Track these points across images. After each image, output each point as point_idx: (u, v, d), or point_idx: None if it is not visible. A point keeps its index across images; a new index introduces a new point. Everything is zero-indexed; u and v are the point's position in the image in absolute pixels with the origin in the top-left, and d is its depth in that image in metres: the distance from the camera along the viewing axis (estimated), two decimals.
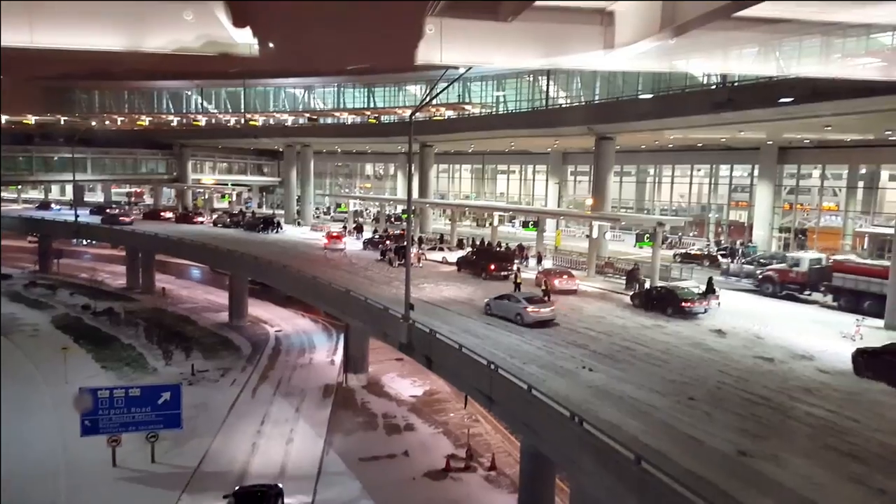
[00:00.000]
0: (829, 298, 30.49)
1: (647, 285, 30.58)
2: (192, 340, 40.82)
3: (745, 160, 52.06)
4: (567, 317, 26.40)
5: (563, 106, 52.19)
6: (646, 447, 13.74)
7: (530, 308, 24.72)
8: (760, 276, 33.77)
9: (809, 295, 31.86)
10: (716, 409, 16.40)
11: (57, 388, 31.30)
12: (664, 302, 27.22)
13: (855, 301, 28.64)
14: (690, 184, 57.63)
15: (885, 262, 30.41)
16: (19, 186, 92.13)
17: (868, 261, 32.40)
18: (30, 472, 23.52)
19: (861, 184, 46.35)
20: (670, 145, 53.74)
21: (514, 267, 34.65)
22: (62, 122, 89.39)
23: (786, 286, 32.57)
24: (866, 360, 19.51)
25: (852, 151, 44.67)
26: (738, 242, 49.91)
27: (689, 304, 26.60)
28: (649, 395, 17.27)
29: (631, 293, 30.23)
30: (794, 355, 21.31)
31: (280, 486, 22.11)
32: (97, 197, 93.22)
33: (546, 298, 26.96)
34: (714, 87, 37.58)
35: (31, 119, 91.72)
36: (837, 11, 12.43)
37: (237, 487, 21.76)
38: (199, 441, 26.64)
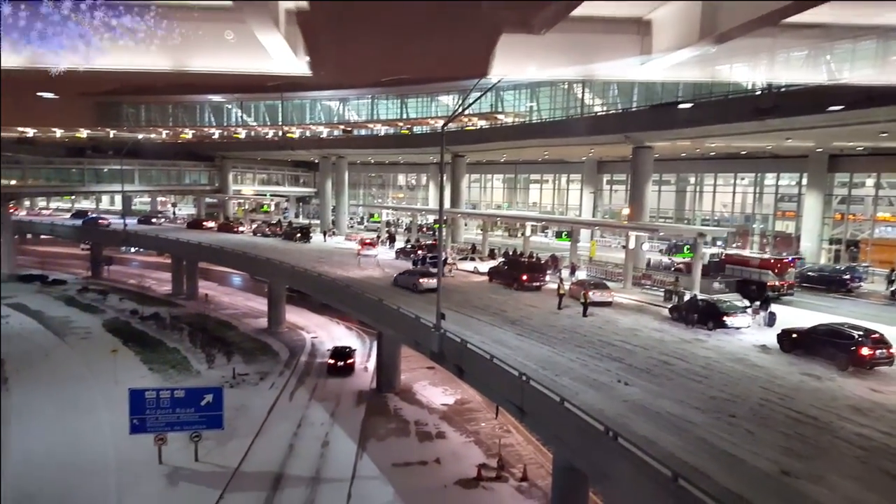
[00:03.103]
0: (723, 286, 33.39)
1: (686, 297, 29.87)
2: (233, 345, 41.86)
3: (792, 168, 50.14)
4: (602, 329, 26.00)
5: (599, 114, 51.41)
6: (684, 464, 13.36)
7: (422, 279, 32.90)
8: (673, 269, 37.30)
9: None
10: (758, 427, 15.85)
11: (107, 388, 32.50)
12: (705, 315, 26.48)
13: (743, 287, 32.68)
14: (734, 193, 55.98)
15: (765, 255, 38.49)
16: (73, 196, 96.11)
17: (752, 254, 37.99)
18: (83, 467, 24.65)
19: None
20: (712, 153, 52.36)
21: (558, 278, 34.29)
22: (111, 136, 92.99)
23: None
24: (792, 340, 22.50)
25: None
26: (782, 254, 48.30)
27: (731, 317, 25.85)
28: (687, 411, 16.80)
29: (669, 306, 29.58)
30: (842, 372, 20.48)
31: (354, 349, 39.39)
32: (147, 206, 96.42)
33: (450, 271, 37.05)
34: (759, 92, 36.37)
35: (83, 133, 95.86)
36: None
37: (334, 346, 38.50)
38: (239, 441, 27.37)
